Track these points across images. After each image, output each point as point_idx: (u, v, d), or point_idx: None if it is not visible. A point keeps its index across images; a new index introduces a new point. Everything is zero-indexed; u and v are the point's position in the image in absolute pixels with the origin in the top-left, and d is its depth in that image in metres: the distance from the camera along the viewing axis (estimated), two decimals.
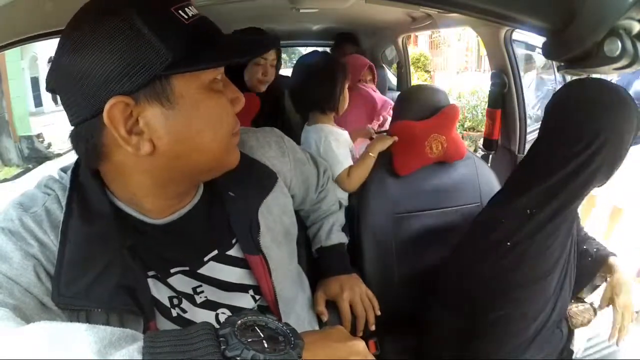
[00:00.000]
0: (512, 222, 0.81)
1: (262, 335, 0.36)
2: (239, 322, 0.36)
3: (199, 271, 0.57)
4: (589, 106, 0.75)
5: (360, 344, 0.43)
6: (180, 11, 0.45)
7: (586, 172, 0.74)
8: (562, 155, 0.76)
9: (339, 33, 2.37)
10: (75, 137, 0.48)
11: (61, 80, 0.45)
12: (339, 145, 1.13)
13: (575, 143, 0.74)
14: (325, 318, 0.76)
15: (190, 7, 0.46)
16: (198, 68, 0.45)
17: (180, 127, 0.46)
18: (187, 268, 0.56)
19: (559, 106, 0.80)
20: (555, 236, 0.79)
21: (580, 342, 0.93)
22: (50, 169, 0.57)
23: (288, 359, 0.34)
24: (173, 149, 0.47)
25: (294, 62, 1.32)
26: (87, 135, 0.47)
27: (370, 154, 1.12)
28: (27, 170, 5.26)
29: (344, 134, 1.21)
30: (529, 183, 0.81)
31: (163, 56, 0.42)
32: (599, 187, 0.80)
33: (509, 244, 0.80)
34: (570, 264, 0.85)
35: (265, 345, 0.35)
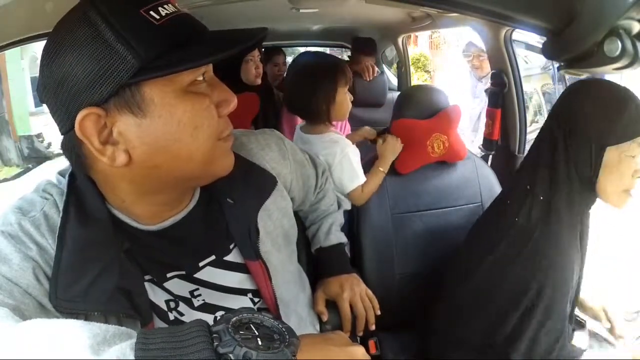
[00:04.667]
0: (517, 202, 0.84)
1: (257, 333, 0.36)
2: (234, 319, 0.36)
3: (195, 275, 0.56)
4: (572, 100, 0.81)
5: (360, 350, 0.42)
6: (151, 12, 0.42)
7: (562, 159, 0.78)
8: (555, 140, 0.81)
9: (356, 39, 2.31)
10: (64, 147, 0.48)
11: (44, 91, 0.45)
12: (356, 159, 1.08)
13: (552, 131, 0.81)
14: (325, 318, 0.76)
15: (165, 6, 0.44)
16: (165, 73, 0.42)
17: (155, 135, 0.44)
18: (183, 272, 0.56)
19: (561, 101, 0.85)
20: (570, 228, 0.81)
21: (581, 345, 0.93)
22: (50, 169, 0.57)
23: (281, 358, 0.34)
24: (150, 158, 0.46)
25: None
26: (71, 146, 0.46)
27: (380, 169, 1.11)
28: (27, 170, 5.25)
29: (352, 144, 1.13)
30: (530, 167, 0.85)
31: (129, 63, 0.40)
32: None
33: (516, 219, 0.82)
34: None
35: (260, 342, 0.35)
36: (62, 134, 0.47)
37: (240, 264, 0.59)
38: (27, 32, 0.72)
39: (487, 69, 2.30)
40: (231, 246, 0.59)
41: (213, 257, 0.58)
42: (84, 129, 0.43)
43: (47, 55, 0.43)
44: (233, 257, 0.59)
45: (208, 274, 0.57)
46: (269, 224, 0.62)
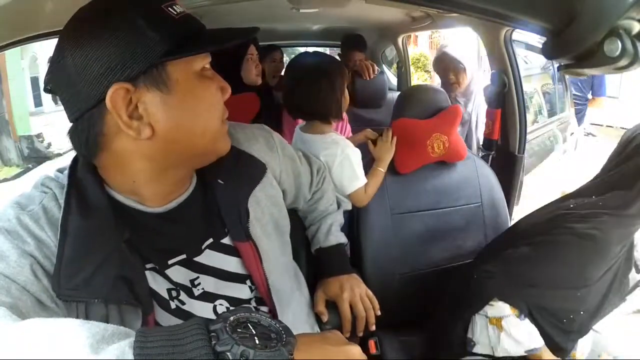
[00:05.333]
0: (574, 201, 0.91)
1: (254, 332, 0.36)
2: (232, 318, 0.36)
3: (196, 259, 0.58)
4: None
5: (356, 349, 0.43)
6: (169, 8, 0.49)
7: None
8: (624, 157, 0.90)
9: (346, 36, 2.29)
10: (74, 132, 0.50)
11: (62, 77, 0.48)
12: (357, 160, 1.07)
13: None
14: (325, 318, 0.76)
15: (176, 6, 0.51)
16: (190, 54, 0.50)
17: (177, 110, 0.50)
18: (184, 256, 0.57)
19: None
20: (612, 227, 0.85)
21: (584, 348, 0.93)
22: (50, 169, 0.58)
23: (278, 357, 0.34)
24: (171, 132, 0.50)
25: None
26: (87, 126, 0.49)
27: (379, 169, 1.11)
28: (27, 170, 5.25)
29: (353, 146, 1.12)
30: (605, 184, 0.92)
31: (159, 46, 0.47)
32: None
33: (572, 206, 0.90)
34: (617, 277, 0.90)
35: (257, 341, 0.35)
36: (76, 118, 0.49)
37: (236, 247, 0.61)
38: (27, 32, 0.72)
39: (464, 83, 1.77)
40: (226, 229, 0.61)
41: (211, 240, 0.60)
42: (114, 103, 0.47)
43: (73, 41, 0.47)
44: (228, 240, 0.61)
45: (208, 257, 0.59)
46: (258, 210, 0.64)
